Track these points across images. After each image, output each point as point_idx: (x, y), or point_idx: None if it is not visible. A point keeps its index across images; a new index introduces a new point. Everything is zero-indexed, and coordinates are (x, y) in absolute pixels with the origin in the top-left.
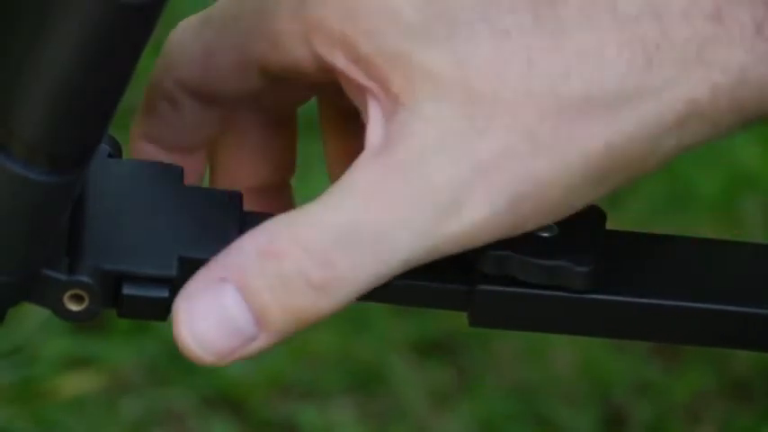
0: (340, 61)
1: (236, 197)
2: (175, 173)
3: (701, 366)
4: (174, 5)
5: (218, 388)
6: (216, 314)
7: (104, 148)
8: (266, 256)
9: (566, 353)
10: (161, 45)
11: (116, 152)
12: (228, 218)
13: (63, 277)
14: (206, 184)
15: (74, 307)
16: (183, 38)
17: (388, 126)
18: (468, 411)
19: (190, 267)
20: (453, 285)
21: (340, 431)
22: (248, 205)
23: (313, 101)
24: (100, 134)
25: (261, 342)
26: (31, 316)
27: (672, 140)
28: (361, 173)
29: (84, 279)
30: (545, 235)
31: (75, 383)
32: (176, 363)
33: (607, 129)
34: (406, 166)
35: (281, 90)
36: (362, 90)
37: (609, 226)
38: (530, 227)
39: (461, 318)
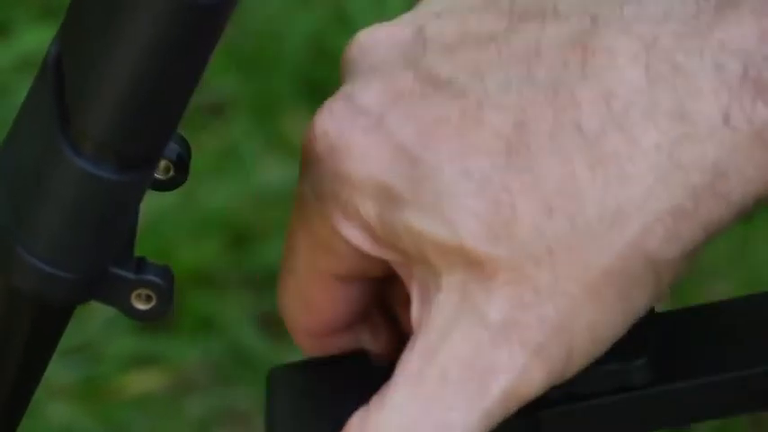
0: (371, 247)
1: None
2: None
3: None
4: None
5: None
6: None
7: (174, 147)
8: None
9: None
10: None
11: (185, 151)
12: None
13: (131, 276)
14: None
15: (141, 306)
16: (282, 302)
17: (421, 306)
18: None
19: None
20: (517, 419)
21: None
22: None
23: None
24: (169, 133)
25: None
26: (96, 314)
27: (672, 250)
28: (405, 364)
29: (152, 278)
30: None
31: (140, 382)
32: (241, 362)
33: (600, 256)
34: (434, 348)
35: (387, 290)
36: (405, 271)
37: None
38: (574, 368)
39: None
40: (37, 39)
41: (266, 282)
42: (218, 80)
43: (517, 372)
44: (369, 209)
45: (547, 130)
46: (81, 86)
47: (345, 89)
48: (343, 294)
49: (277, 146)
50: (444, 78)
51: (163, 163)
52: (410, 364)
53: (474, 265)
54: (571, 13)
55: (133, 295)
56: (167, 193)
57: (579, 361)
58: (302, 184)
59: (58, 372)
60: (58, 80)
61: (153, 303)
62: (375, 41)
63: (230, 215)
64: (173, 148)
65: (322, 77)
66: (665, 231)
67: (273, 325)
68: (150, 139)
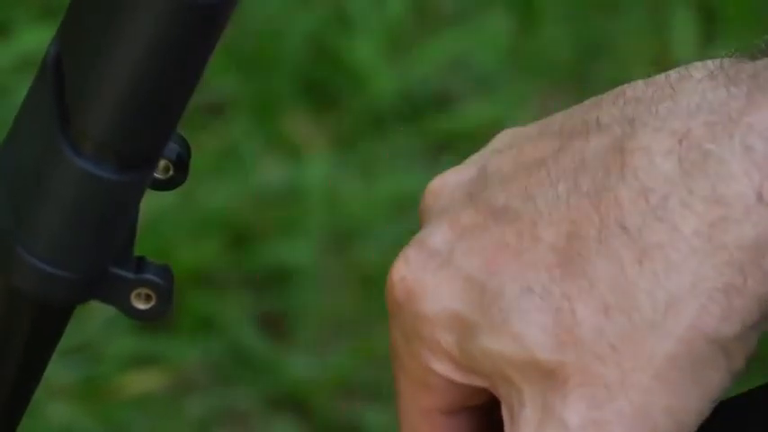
0: (460, 376)
1: None
2: None
3: None
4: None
5: (283, 388)
6: None
7: (174, 147)
8: None
9: None
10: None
11: (185, 151)
12: None
13: (131, 276)
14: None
15: (141, 306)
16: None
17: (511, 424)
18: None
19: None
20: None
21: None
22: None
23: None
24: (169, 133)
25: None
26: (96, 314)
27: (732, 327)
28: None
29: (152, 277)
30: None
31: (140, 382)
32: (241, 362)
33: (661, 344)
34: None
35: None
36: (497, 393)
37: None
38: None
39: None
40: (37, 39)
41: (266, 282)
42: (218, 80)
43: None
44: (448, 340)
45: (595, 234)
46: (81, 86)
47: (419, 236)
48: (453, 427)
49: (277, 146)
50: (501, 207)
51: (162, 163)
52: None
53: (547, 374)
54: (612, 122)
55: (133, 295)
56: (167, 193)
57: None
58: (392, 330)
59: (58, 372)
60: (58, 80)
61: (153, 303)
62: (443, 186)
63: (230, 215)
64: (172, 147)
65: (322, 77)
66: (720, 310)
67: (273, 325)
68: (150, 139)
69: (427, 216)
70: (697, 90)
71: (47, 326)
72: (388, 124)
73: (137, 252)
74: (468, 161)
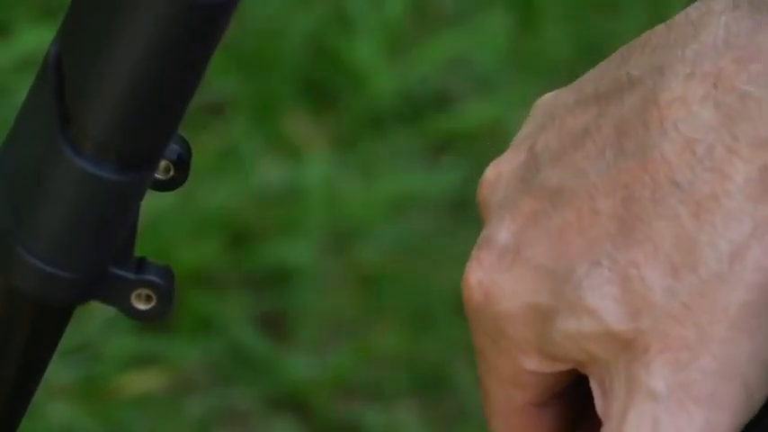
0: (549, 366)
1: None
2: None
3: None
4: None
5: (283, 388)
6: None
7: (174, 147)
8: None
9: None
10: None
11: (186, 153)
12: None
13: (131, 276)
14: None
15: (141, 306)
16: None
17: (603, 400)
18: None
19: None
20: None
21: None
22: None
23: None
24: (169, 133)
25: None
26: (96, 314)
27: None
28: None
29: (153, 278)
30: None
31: (140, 382)
32: (241, 362)
33: (732, 293)
34: None
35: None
36: (586, 372)
37: None
38: (760, 396)
39: None
40: (37, 39)
41: (266, 282)
42: (218, 80)
43: (701, 428)
44: (531, 333)
45: (649, 195)
46: (81, 86)
47: (485, 234)
48: (546, 417)
49: (277, 146)
50: (556, 188)
51: (163, 163)
52: None
53: (627, 345)
54: (642, 74)
55: (133, 295)
56: (167, 193)
57: (760, 389)
58: (475, 333)
59: (58, 372)
60: (58, 80)
61: (153, 303)
62: (498, 176)
63: (230, 215)
64: (173, 148)
65: (322, 77)
66: None
67: (273, 325)
68: (150, 140)
69: (488, 209)
70: (720, 23)
71: (47, 326)
72: (388, 124)
73: (137, 252)
74: (515, 144)
